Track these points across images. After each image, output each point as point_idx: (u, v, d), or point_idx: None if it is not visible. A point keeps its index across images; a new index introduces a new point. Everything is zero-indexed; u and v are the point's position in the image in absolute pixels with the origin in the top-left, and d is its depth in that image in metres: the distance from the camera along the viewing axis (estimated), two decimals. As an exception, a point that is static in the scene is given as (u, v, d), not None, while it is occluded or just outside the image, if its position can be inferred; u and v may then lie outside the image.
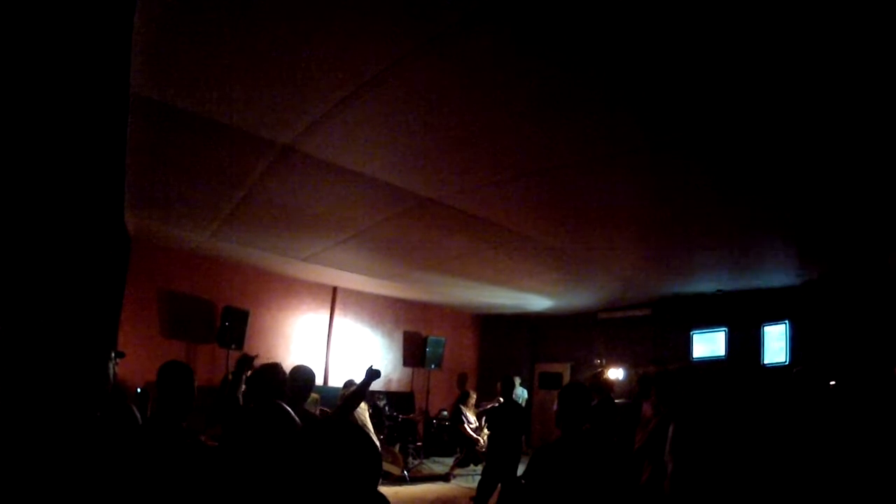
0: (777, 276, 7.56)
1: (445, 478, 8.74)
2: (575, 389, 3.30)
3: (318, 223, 6.58)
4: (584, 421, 3.11)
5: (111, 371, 3.35)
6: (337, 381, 10.03)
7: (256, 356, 4.08)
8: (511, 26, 2.94)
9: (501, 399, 7.07)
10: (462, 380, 12.60)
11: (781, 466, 4.42)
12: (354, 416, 7.13)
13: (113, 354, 3.48)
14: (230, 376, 7.87)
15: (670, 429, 4.50)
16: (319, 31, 3.09)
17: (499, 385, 8.64)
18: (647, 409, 6.04)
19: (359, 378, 4.19)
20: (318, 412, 8.26)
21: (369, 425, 6.99)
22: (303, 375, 3.66)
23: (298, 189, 5.47)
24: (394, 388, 11.13)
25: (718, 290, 8.67)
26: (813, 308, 7.50)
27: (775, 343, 7.84)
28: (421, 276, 9.18)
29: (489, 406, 8.60)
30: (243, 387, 3.61)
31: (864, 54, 2.92)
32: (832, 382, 5.17)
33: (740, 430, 4.62)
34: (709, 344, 9.06)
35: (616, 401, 7.65)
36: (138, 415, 3.27)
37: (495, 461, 6.28)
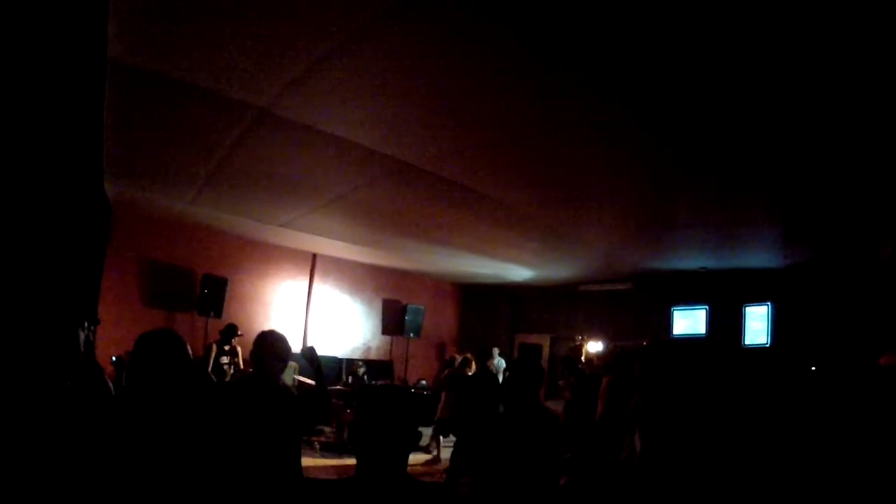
0: (761, 257, 7.53)
1: (426, 449, 8.63)
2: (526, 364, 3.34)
3: (296, 188, 6.42)
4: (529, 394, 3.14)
5: (82, 340, 3.17)
6: (317, 350, 9.91)
7: None
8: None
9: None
10: (442, 350, 12.58)
11: (756, 448, 4.42)
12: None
13: (86, 323, 3.29)
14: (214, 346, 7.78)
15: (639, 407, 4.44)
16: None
17: (458, 356, 8.56)
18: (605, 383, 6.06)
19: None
20: (295, 381, 8.19)
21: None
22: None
23: (275, 153, 5.32)
24: (373, 356, 11.08)
25: (701, 268, 8.64)
26: (796, 291, 7.50)
27: (757, 324, 7.86)
28: (400, 244, 9.05)
29: (445, 375, 8.52)
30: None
31: (851, 31, 2.81)
32: (813, 368, 5.17)
33: (714, 411, 4.61)
34: (689, 321, 9.08)
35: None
36: (111, 386, 3.12)
37: (467, 431, 6.22)
